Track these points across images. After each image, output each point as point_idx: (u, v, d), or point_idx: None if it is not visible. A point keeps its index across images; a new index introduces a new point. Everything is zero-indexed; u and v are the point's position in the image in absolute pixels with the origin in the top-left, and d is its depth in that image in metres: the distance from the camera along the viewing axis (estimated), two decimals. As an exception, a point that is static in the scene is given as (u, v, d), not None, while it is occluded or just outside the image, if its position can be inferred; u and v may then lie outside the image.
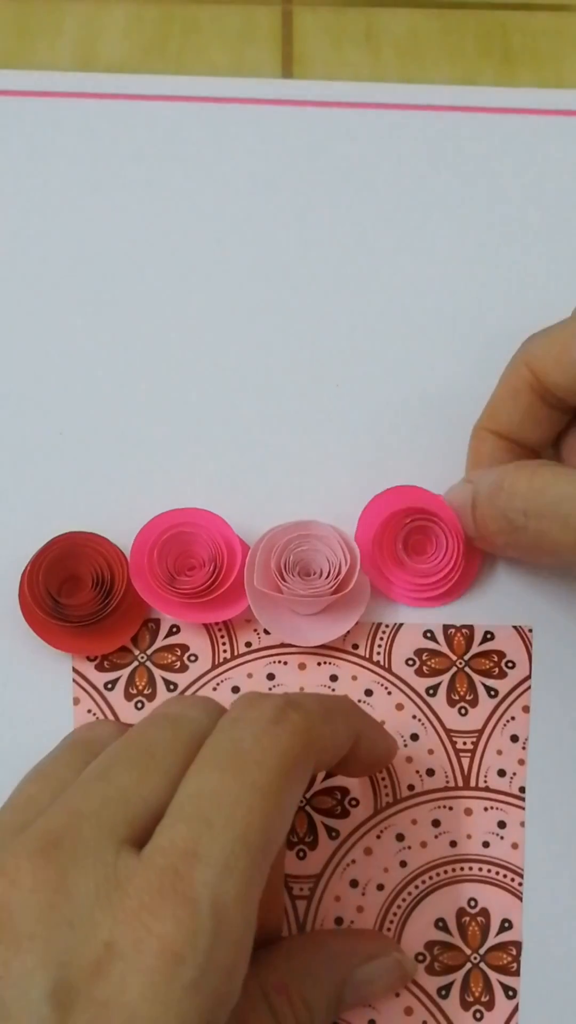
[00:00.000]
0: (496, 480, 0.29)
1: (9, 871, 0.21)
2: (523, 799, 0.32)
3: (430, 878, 0.31)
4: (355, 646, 0.32)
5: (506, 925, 0.31)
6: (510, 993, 0.31)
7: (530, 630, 0.33)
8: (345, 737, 0.26)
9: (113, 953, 0.20)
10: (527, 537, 0.28)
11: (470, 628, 0.33)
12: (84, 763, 0.26)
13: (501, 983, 0.31)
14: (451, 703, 0.32)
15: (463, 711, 0.32)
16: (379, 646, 0.32)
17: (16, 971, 0.20)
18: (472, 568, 0.33)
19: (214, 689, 0.32)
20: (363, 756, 0.28)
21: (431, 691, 0.32)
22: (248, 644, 0.32)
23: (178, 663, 0.32)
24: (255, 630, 0.32)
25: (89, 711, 0.32)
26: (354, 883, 0.31)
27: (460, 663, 0.32)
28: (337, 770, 0.28)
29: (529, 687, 0.32)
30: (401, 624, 0.33)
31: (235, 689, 0.32)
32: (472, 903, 0.31)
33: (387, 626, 0.33)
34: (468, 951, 0.31)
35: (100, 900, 0.21)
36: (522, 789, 0.32)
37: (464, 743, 0.32)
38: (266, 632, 0.32)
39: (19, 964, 0.20)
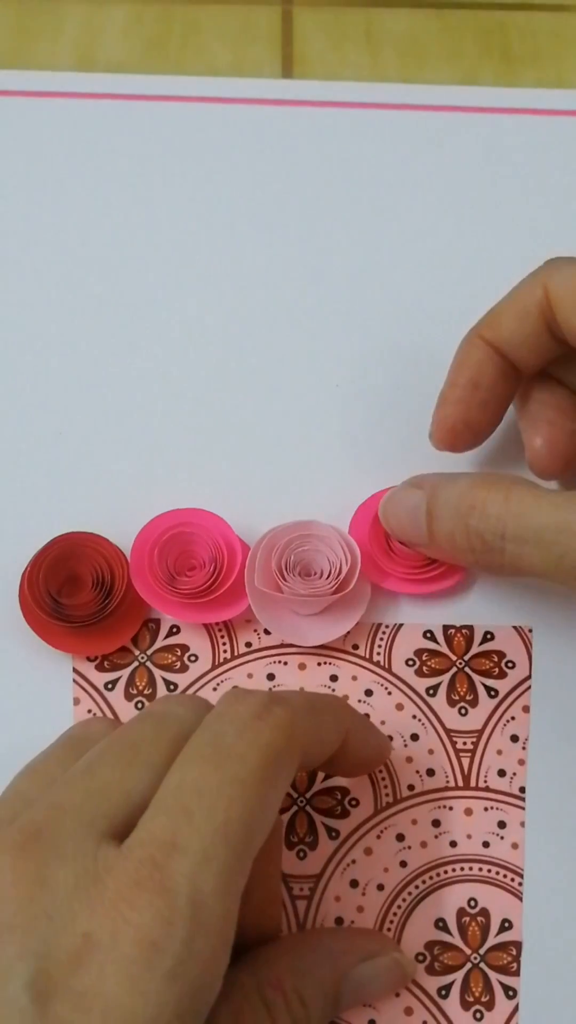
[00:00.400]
0: (464, 494, 0.28)
1: None
2: (523, 799, 0.32)
3: (430, 878, 0.31)
4: (355, 646, 0.32)
5: (506, 925, 0.31)
6: (510, 993, 0.31)
7: (530, 630, 0.33)
8: (333, 733, 0.27)
9: (91, 944, 0.21)
10: (502, 559, 0.28)
11: (470, 628, 0.33)
12: (75, 759, 0.26)
13: (501, 983, 0.31)
14: (451, 703, 0.32)
15: (463, 711, 0.32)
16: (379, 646, 0.32)
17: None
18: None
19: (214, 689, 0.32)
20: (353, 754, 0.28)
21: (431, 691, 0.32)
22: (248, 644, 0.32)
23: (178, 663, 0.32)
24: (255, 630, 0.32)
25: (89, 711, 0.32)
26: (354, 883, 0.31)
27: (460, 663, 0.32)
28: (329, 769, 0.28)
29: (529, 687, 0.32)
30: (401, 624, 0.33)
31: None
32: (472, 903, 0.31)
33: (387, 626, 0.33)
34: (468, 951, 0.31)
35: (79, 892, 0.21)
36: (522, 789, 0.32)
37: (464, 743, 0.32)
38: (266, 632, 0.32)
39: (3, 959, 0.21)
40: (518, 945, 0.31)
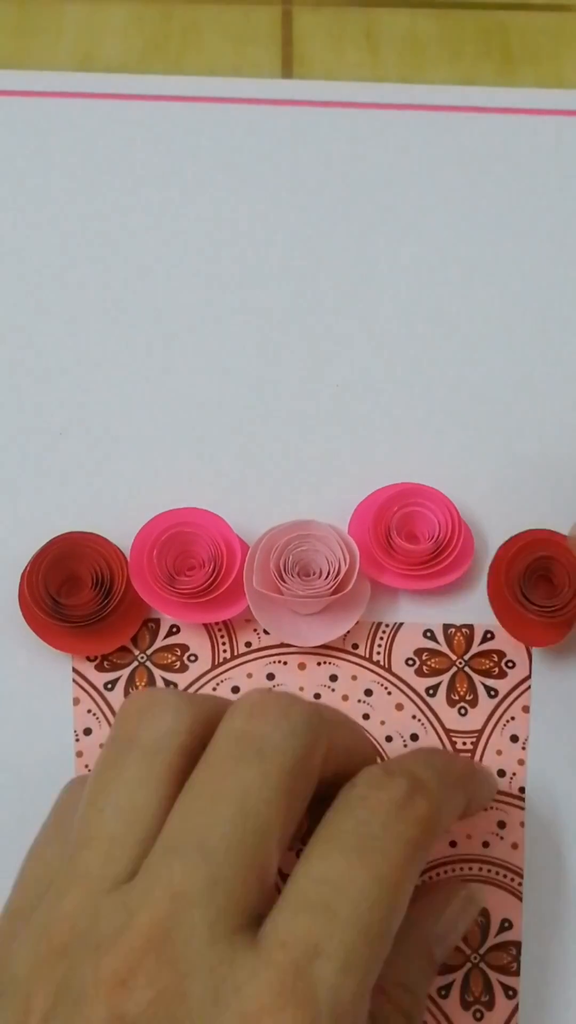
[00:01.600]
0: None
1: (122, 975, 0.20)
2: (523, 799, 0.32)
3: (430, 878, 0.31)
4: (355, 646, 0.32)
5: (506, 925, 0.31)
6: (510, 993, 0.31)
7: (530, 630, 0.33)
8: (459, 810, 0.26)
9: None
10: None
11: (470, 628, 0.33)
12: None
13: (501, 983, 0.31)
14: (451, 703, 0.32)
15: (463, 711, 0.32)
16: (379, 646, 0.32)
17: None
18: (468, 549, 0.33)
19: (214, 689, 0.32)
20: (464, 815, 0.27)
21: (431, 691, 0.32)
22: (248, 644, 0.32)
23: (178, 663, 0.32)
24: (255, 630, 0.32)
25: (89, 711, 0.32)
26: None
27: (460, 663, 0.32)
28: None
29: (529, 687, 0.32)
30: (401, 624, 0.33)
31: (235, 689, 0.32)
32: (472, 903, 0.31)
33: (387, 626, 0.33)
34: (468, 951, 0.31)
35: (219, 1005, 0.20)
36: (522, 789, 0.32)
37: (464, 743, 0.32)
38: (266, 632, 0.32)
39: None
40: (518, 945, 0.31)
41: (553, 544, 0.32)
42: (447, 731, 0.32)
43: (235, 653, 0.32)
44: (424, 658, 0.32)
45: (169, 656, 0.32)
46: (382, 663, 0.32)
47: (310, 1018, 0.20)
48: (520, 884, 0.31)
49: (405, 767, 0.25)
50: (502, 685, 0.32)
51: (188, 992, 0.20)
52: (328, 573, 0.31)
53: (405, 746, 0.32)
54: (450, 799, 0.25)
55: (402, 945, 0.26)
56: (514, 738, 0.32)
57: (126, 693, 0.32)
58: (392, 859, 0.22)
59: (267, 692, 0.25)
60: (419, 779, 0.24)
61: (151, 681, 0.32)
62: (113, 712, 0.32)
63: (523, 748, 0.32)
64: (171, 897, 0.21)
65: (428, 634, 0.33)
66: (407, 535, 0.32)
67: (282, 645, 0.32)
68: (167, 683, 0.32)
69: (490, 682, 0.32)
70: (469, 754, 0.32)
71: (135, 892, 0.21)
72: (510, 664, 0.32)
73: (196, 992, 0.20)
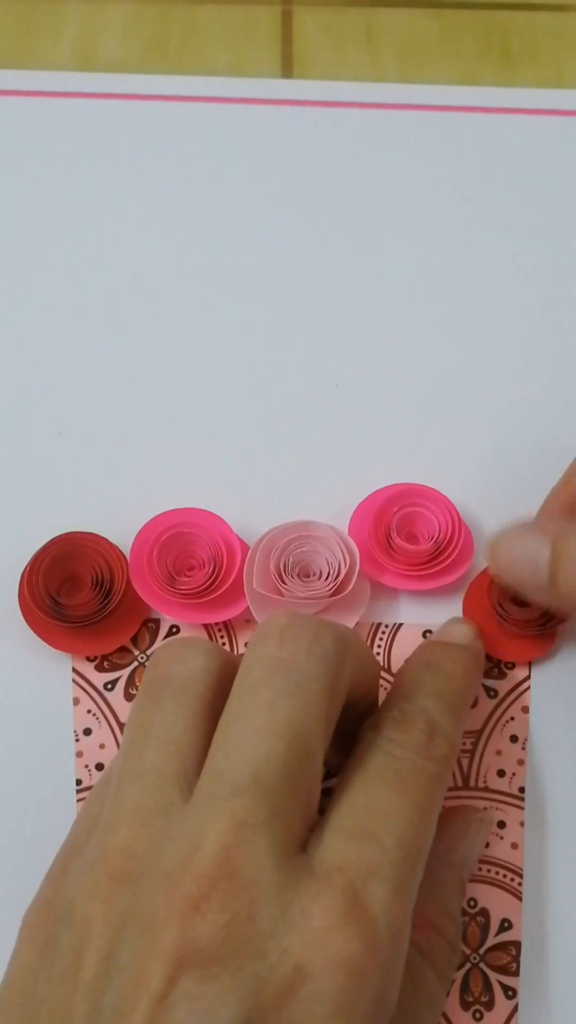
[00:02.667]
0: None
1: (195, 900, 0.21)
2: (523, 799, 0.32)
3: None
4: (355, 646, 0.32)
5: (506, 925, 0.31)
6: (510, 993, 0.31)
7: (530, 630, 0.33)
8: (465, 724, 0.28)
9: (303, 976, 0.21)
10: None
11: (470, 628, 0.33)
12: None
13: (501, 983, 0.31)
14: (451, 703, 0.32)
15: (463, 711, 0.32)
16: (379, 646, 0.32)
17: (211, 998, 0.21)
18: (468, 549, 0.33)
19: (214, 689, 0.32)
20: None
21: (431, 691, 0.32)
22: (248, 644, 0.32)
23: (178, 663, 0.32)
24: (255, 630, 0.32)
25: (89, 711, 0.32)
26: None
27: (460, 663, 0.32)
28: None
29: (529, 687, 0.32)
30: (401, 624, 0.33)
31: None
32: (472, 903, 0.31)
33: (387, 626, 0.33)
34: (468, 951, 0.31)
35: (287, 925, 0.22)
36: (521, 789, 0.32)
37: (464, 743, 0.32)
38: (266, 632, 0.32)
39: (215, 993, 0.21)
40: (518, 945, 0.31)
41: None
42: (447, 731, 0.32)
43: (235, 654, 0.32)
44: (424, 658, 0.32)
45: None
46: (382, 663, 0.32)
47: (371, 932, 0.22)
48: (520, 884, 0.31)
49: (422, 709, 0.27)
50: (502, 685, 0.32)
51: (258, 915, 0.21)
52: (328, 574, 0.31)
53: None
54: (460, 729, 0.27)
55: (439, 876, 0.28)
56: (514, 738, 0.32)
57: (126, 693, 0.32)
58: (425, 790, 0.25)
59: (293, 615, 0.26)
60: (435, 722, 0.26)
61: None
62: (113, 712, 0.32)
63: (523, 748, 0.32)
64: (236, 825, 0.22)
65: (428, 634, 0.33)
66: (407, 535, 0.32)
67: (282, 645, 0.32)
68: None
69: (490, 682, 0.32)
70: (468, 755, 0.32)
71: (195, 822, 0.22)
72: (510, 664, 0.32)
73: (265, 915, 0.21)
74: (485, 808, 0.31)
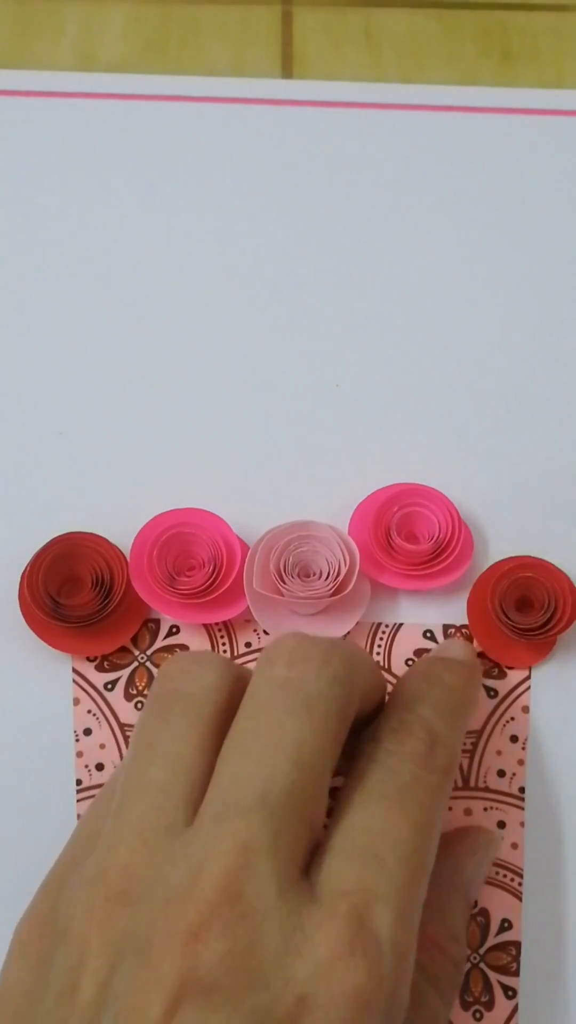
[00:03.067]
0: None
1: (195, 927, 0.21)
2: (523, 799, 0.32)
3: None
4: (355, 646, 0.32)
5: (506, 925, 0.31)
6: (510, 993, 0.31)
7: (530, 630, 0.33)
8: (465, 732, 0.28)
9: (307, 1007, 0.21)
10: None
11: (470, 628, 0.33)
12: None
13: (501, 983, 0.31)
14: (451, 703, 0.32)
15: (463, 711, 0.32)
16: (379, 646, 0.32)
17: None
18: (468, 549, 0.33)
19: (214, 689, 0.32)
20: None
21: (431, 691, 0.32)
22: (248, 644, 0.32)
23: (178, 663, 0.32)
24: (255, 630, 0.32)
25: (89, 711, 0.32)
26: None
27: (460, 663, 0.32)
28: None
29: (529, 687, 0.32)
30: (401, 624, 0.33)
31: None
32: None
33: (387, 626, 0.33)
34: (468, 951, 0.31)
35: (291, 954, 0.21)
36: (521, 789, 0.32)
37: (464, 743, 0.32)
38: (266, 632, 0.32)
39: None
40: (518, 945, 0.31)
41: (533, 567, 0.32)
42: (447, 731, 0.32)
43: (235, 654, 0.32)
44: (424, 658, 0.32)
45: (169, 656, 0.32)
46: (382, 663, 0.32)
47: (376, 961, 0.21)
48: (520, 884, 0.31)
49: (421, 719, 0.26)
50: (502, 685, 0.32)
51: (261, 943, 0.21)
52: (328, 574, 0.31)
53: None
54: (460, 739, 0.27)
55: (444, 897, 0.28)
56: (514, 738, 0.32)
57: (126, 693, 0.32)
58: (424, 804, 0.24)
59: (302, 636, 0.25)
60: (435, 732, 0.26)
61: (151, 681, 0.32)
62: (113, 712, 0.32)
63: (523, 748, 0.32)
64: (240, 849, 0.21)
65: (428, 634, 0.33)
66: (407, 535, 0.32)
67: (282, 645, 0.32)
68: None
69: (490, 682, 0.32)
70: (468, 755, 0.32)
71: (198, 844, 0.22)
72: (510, 664, 0.32)
73: (268, 943, 0.21)
74: (488, 828, 0.31)
